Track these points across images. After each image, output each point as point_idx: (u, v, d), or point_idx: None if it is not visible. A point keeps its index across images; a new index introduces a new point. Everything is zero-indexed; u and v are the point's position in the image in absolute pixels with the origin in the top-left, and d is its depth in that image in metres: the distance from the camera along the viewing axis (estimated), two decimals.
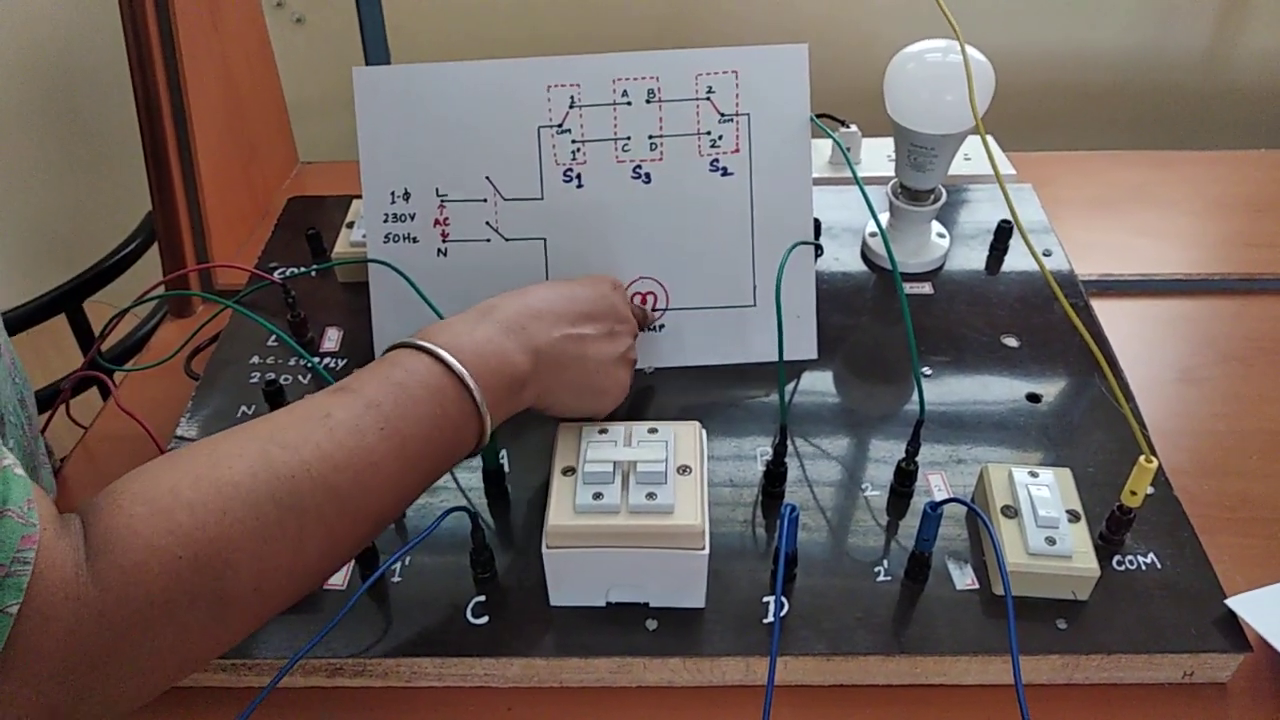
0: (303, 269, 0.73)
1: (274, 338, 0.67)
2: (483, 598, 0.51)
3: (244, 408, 0.63)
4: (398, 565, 0.52)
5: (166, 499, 0.36)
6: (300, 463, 0.39)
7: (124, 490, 0.36)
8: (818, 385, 0.64)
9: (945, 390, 0.63)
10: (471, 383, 0.44)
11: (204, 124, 0.80)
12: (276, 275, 0.71)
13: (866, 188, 0.60)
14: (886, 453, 0.58)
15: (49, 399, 0.70)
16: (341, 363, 0.66)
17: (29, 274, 1.09)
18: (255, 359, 0.66)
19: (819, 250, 0.73)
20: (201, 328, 0.72)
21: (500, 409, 0.47)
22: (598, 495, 0.47)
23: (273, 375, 0.63)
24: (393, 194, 0.62)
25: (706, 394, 0.63)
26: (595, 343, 0.52)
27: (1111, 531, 0.52)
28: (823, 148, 0.89)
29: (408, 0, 1.08)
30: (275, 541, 0.38)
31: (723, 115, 0.61)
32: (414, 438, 0.42)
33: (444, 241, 0.62)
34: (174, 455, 0.39)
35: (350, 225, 0.73)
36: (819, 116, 0.86)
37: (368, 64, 1.00)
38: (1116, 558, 0.52)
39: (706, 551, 0.47)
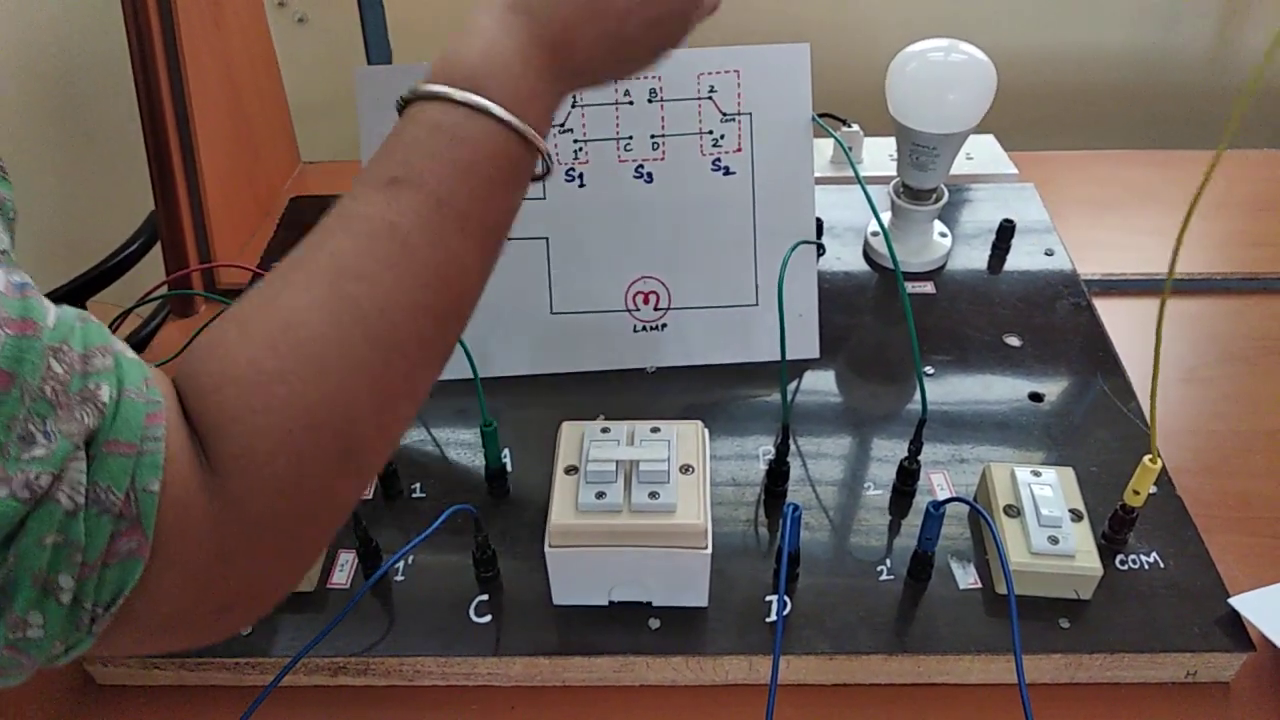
0: None
1: None
2: (485, 596, 0.51)
3: None
4: (400, 564, 0.53)
5: (251, 375, 0.31)
6: (385, 294, 0.33)
7: (200, 373, 0.32)
8: (820, 384, 0.64)
9: (948, 389, 0.63)
10: (542, 144, 0.38)
11: (206, 124, 0.80)
12: None
13: (868, 187, 0.60)
14: (889, 452, 0.58)
15: None
16: None
17: (32, 274, 1.09)
18: None
19: (821, 249, 0.73)
20: (204, 327, 0.71)
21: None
22: (600, 494, 0.47)
23: None
24: None
25: (709, 393, 0.63)
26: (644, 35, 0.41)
27: (1114, 531, 0.52)
28: (824, 147, 0.89)
29: (412, 3, 1.08)
30: (382, 381, 0.34)
31: (725, 114, 0.61)
32: (496, 225, 0.37)
33: None
34: (235, 320, 0.33)
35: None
36: (821, 116, 0.86)
37: (370, 63, 1.00)
38: (1119, 557, 0.52)
39: (709, 551, 0.47)
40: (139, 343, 0.89)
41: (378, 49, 1.00)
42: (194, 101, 0.78)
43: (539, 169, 0.39)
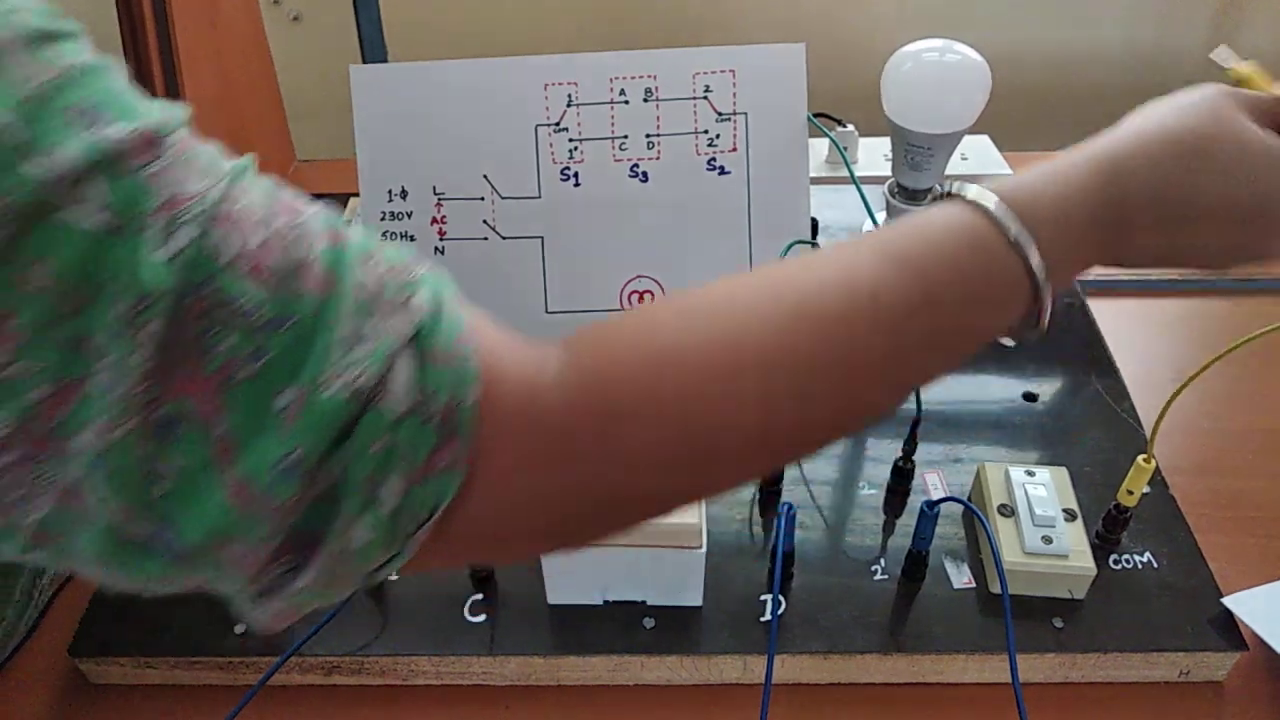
0: None
1: None
2: (480, 596, 0.51)
3: None
4: None
5: (663, 352, 0.31)
6: (830, 348, 0.32)
7: (609, 337, 0.32)
8: None
9: (942, 389, 0.63)
10: (1047, 309, 0.34)
11: (200, 121, 0.79)
12: None
13: (865, 186, 0.60)
14: (883, 451, 0.58)
15: None
16: None
17: None
18: None
19: (816, 249, 0.73)
20: None
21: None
22: None
23: None
24: (390, 192, 0.62)
25: None
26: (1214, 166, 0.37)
27: (1108, 530, 0.52)
28: (820, 147, 0.89)
29: (408, 2, 1.08)
30: (782, 412, 0.32)
31: (720, 114, 0.61)
32: (949, 356, 0.34)
33: (441, 240, 0.62)
34: (676, 308, 0.33)
35: (348, 224, 0.73)
36: (816, 116, 0.86)
37: (365, 62, 0.99)
38: (1113, 557, 0.52)
39: (703, 550, 0.47)
40: None
41: (373, 47, 1.00)
42: (188, 99, 0.77)
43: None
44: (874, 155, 0.88)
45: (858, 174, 0.85)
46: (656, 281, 0.63)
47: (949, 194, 0.35)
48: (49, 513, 0.24)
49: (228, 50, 0.86)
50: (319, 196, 0.80)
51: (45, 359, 0.23)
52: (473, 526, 0.29)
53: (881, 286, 0.32)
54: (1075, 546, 0.49)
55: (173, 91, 0.77)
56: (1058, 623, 0.49)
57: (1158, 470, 0.56)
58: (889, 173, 0.71)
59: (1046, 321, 0.35)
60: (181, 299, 0.23)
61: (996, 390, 0.63)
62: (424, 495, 0.27)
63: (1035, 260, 0.33)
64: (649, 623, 0.49)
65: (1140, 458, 0.49)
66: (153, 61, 0.75)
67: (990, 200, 0.33)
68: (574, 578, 0.49)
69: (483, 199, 0.62)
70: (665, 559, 0.47)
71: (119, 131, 0.23)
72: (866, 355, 0.32)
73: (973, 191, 0.34)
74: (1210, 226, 0.38)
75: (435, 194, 0.62)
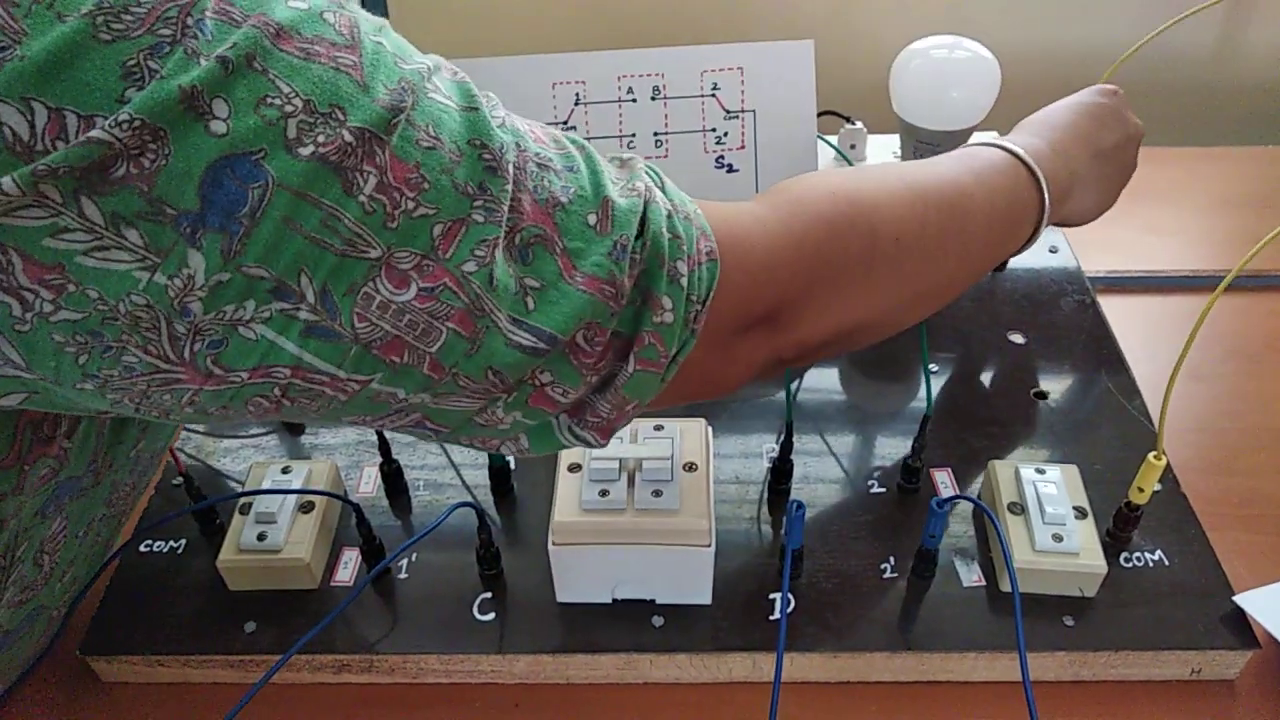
0: None
1: None
2: (489, 594, 0.51)
3: None
4: (404, 561, 0.53)
5: (817, 179, 0.43)
6: (926, 186, 0.44)
7: (802, 184, 0.43)
8: (824, 382, 0.64)
9: (952, 386, 0.63)
10: (1047, 200, 0.49)
11: None
12: None
13: None
14: (893, 449, 0.58)
15: None
16: None
17: None
18: None
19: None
20: None
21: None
22: (603, 492, 0.47)
23: None
24: None
25: None
26: (1116, 151, 0.57)
27: (1119, 528, 0.52)
28: (831, 143, 0.88)
29: (417, 3, 1.08)
30: (908, 221, 0.42)
31: (728, 112, 0.61)
32: (999, 213, 0.47)
33: None
34: (843, 176, 0.44)
35: None
36: (824, 113, 0.86)
37: None
38: (1124, 555, 0.52)
39: (712, 549, 0.47)
40: None
41: None
42: None
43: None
44: (883, 152, 0.87)
45: None
46: None
47: (987, 144, 0.50)
48: (448, 338, 0.31)
49: None
50: None
51: (440, 202, 0.29)
52: (729, 311, 0.37)
53: (968, 185, 0.46)
54: (1086, 544, 0.49)
55: None
56: (1068, 621, 0.49)
57: (1169, 468, 0.56)
58: None
59: (1045, 214, 0.49)
60: (520, 147, 0.32)
61: (1007, 388, 0.63)
62: (700, 278, 0.35)
63: (1048, 193, 0.49)
64: (658, 621, 0.49)
65: (1151, 455, 0.49)
66: None
67: (1021, 150, 0.49)
68: (583, 576, 0.49)
69: None
70: (674, 557, 0.47)
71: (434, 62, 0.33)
72: (965, 228, 0.45)
73: (1008, 142, 0.50)
74: (1117, 160, 0.57)
75: None
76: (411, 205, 0.29)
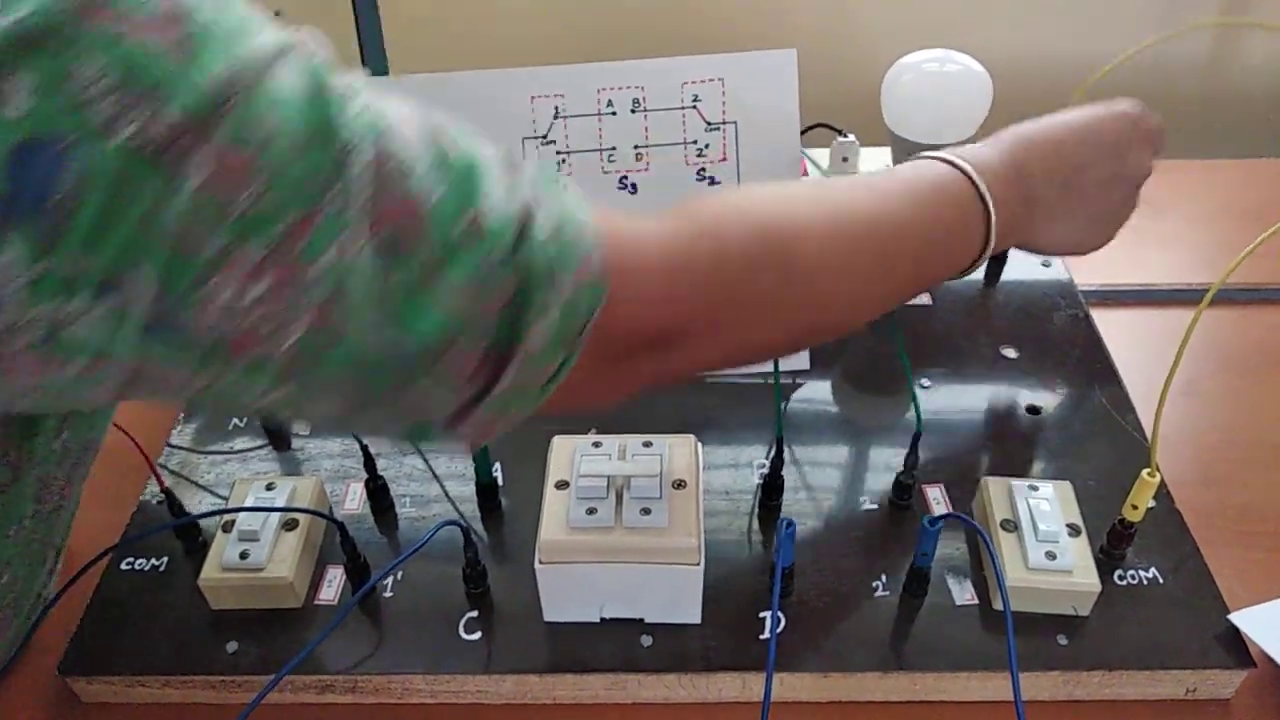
0: None
1: None
2: (475, 613, 0.50)
3: (235, 420, 0.62)
4: (389, 580, 0.52)
5: (734, 199, 0.42)
6: (855, 215, 0.42)
7: (711, 204, 0.41)
8: (815, 396, 0.63)
9: (944, 402, 0.62)
10: (993, 216, 0.46)
11: None
12: None
13: None
14: (884, 465, 0.58)
15: None
16: None
17: None
18: None
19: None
20: None
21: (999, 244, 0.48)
22: (591, 510, 0.46)
23: None
24: None
25: (702, 404, 0.62)
26: (1097, 188, 0.51)
27: (1112, 545, 0.52)
28: (822, 157, 0.88)
29: (406, 13, 1.08)
30: (829, 254, 0.41)
31: (709, 124, 0.60)
32: (936, 242, 0.45)
33: None
34: (753, 193, 0.43)
35: None
36: (815, 126, 0.86)
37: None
38: (1118, 572, 0.51)
39: (701, 567, 0.46)
40: None
41: (374, 62, 1.00)
42: None
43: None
44: (875, 165, 0.87)
45: None
46: None
47: (929, 157, 0.46)
48: (303, 335, 0.29)
49: None
50: None
51: (283, 194, 0.27)
52: (616, 331, 0.36)
53: (904, 214, 0.44)
54: (1079, 562, 0.49)
55: None
56: (1062, 640, 0.48)
57: (1163, 484, 0.55)
58: None
59: (993, 229, 0.46)
60: (378, 140, 0.30)
61: (999, 403, 0.62)
62: (583, 296, 0.33)
63: (995, 219, 0.46)
64: (646, 640, 0.49)
65: (1145, 472, 0.49)
66: None
67: (971, 170, 0.45)
68: (570, 595, 0.48)
69: None
70: (663, 576, 0.47)
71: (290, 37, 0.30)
72: (894, 261, 0.43)
73: (964, 157, 0.46)
74: (1097, 197, 0.51)
75: None
76: (250, 197, 0.27)
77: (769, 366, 0.52)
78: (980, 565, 0.52)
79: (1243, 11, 1.14)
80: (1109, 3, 1.12)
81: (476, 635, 0.49)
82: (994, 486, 0.53)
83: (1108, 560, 0.52)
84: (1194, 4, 1.13)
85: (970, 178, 0.45)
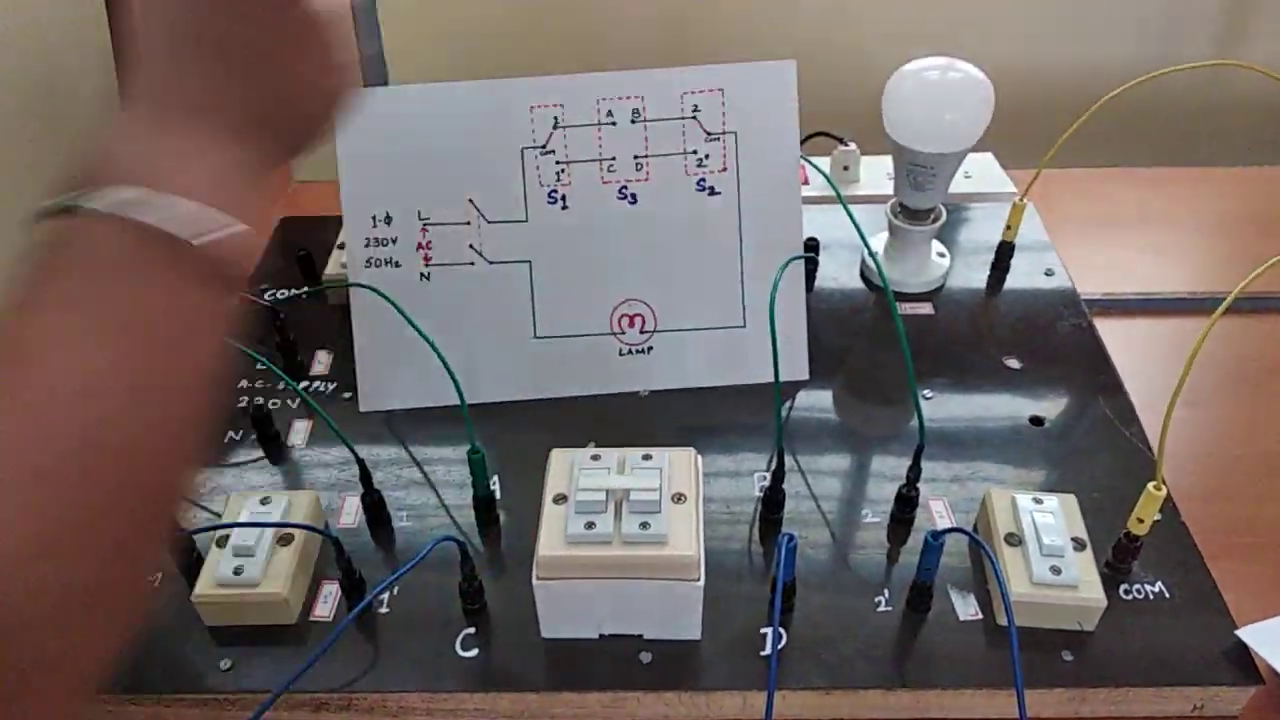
0: (294, 291, 0.72)
1: None
2: (472, 629, 0.50)
3: (231, 433, 0.61)
4: (385, 596, 0.51)
5: None
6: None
7: None
8: (816, 407, 0.62)
9: (947, 412, 0.62)
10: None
11: None
12: (266, 297, 0.70)
13: (867, 206, 0.59)
14: (887, 477, 0.57)
15: None
16: (331, 386, 0.65)
17: None
18: (244, 383, 0.65)
19: (815, 265, 0.72)
20: None
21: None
22: (590, 524, 0.46)
23: (260, 400, 0.62)
24: (374, 218, 0.61)
25: (702, 416, 0.62)
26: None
27: (1118, 560, 0.51)
28: (823, 165, 0.88)
29: (406, 27, 1.07)
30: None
31: (709, 134, 0.60)
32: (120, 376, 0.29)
33: (426, 265, 0.61)
34: None
35: (341, 246, 0.72)
36: (816, 135, 0.85)
37: (365, 87, 0.99)
38: (1123, 587, 0.51)
39: (701, 583, 0.45)
40: None
41: (374, 75, 0.99)
42: None
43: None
44: (876, 173, 0.87)
45: (860, 193, 0.84)
46: (647, 304, 0.62)
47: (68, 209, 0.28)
48: None
49: None
50: (315, 219, 0.79)
51: None
52: None
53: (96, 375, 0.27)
54: (1084, 577, 0.48)
55: None
56: (1067, 656, 0.47)
57: (1168, 496, 0.55)
58: (891, 192, 0.70)
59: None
60: None
61: (1002, 413, 0.61)
62: None
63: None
64: (646, 657, 0.48)
65: (1151, 485, 0.48)
66: None
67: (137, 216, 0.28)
68: (568, 611, 0.48)
69: (468, 223, 0.61)
70: (662, 592, 0.46)
71: None
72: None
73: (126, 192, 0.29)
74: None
75: (420, 219, 0.61)
76: None
77: (769, 374, 0.51)
78: (984, 579, 0.51)
79: (1242, 16, 1.13)
80: (1109, 12, 1.12)
81: (473, 652, 0.49)
82: (998, 499, 0.52)
83: (1113, 574, 0.51)
84: (1196, 13, 1.12)
85: (143, 227, 0.28)
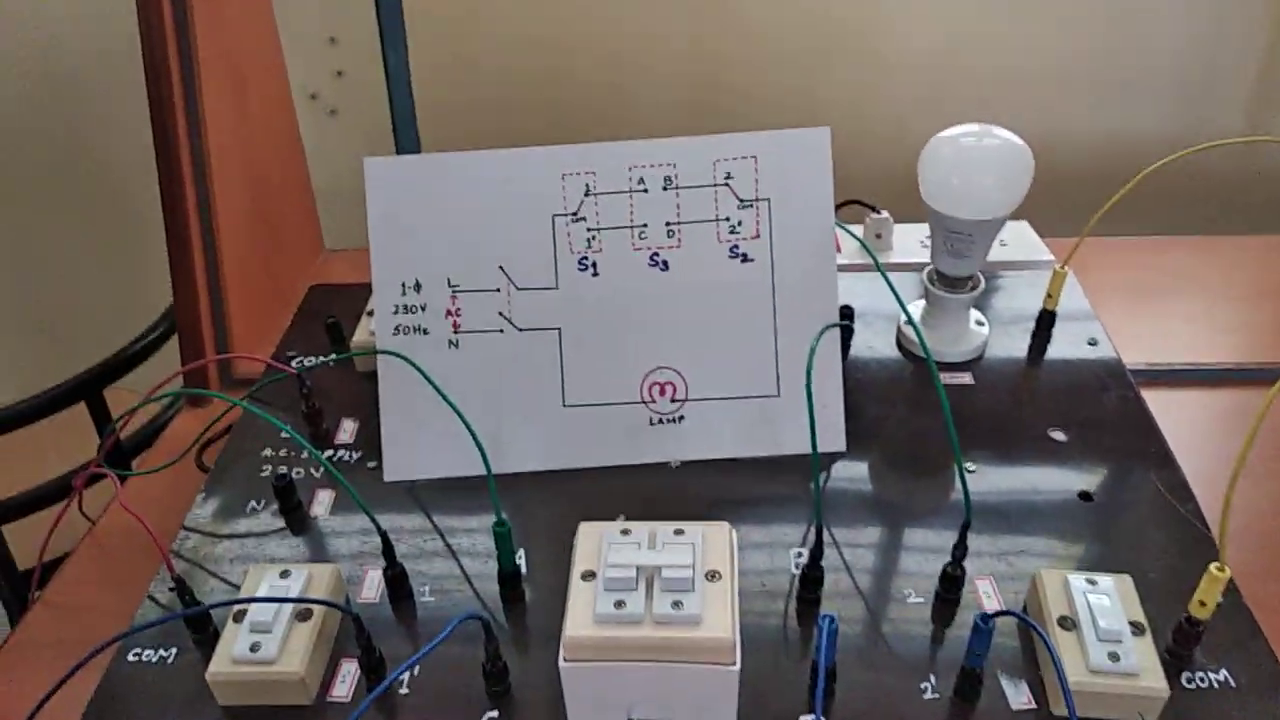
0: (321, 358, 0.72)
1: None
2: (495, 713, 0.47)
3: (253, 502, 0.60)
4: (405, 676, 0.49)
5: None
6: None
7: None
8: (854, 480, 0.60)
9: (990, 487, 0.59)
10: None
11: (229, 213, 0.79)
12: (294, 365, 0.69)
13: (901, 274, 0.58)
14: (930, 554, 0.55)
15: (64, 491, 0.68)
16: (356, 455, 0.64)
17: (52, 359, 1.09)
18: (268, 451, 0.64)
19: (850, 333, 0.70)
20: (215, 421, 0.70)
21: None
22: (619, 603, 0.44)
23: (284, 469, 0.61)
24: (403, 285, 0.60)
25: (735, 489, 0.60)
26: None
27: (1179, 645, 0.48)
28: (856, 233, 0.87)
29: (438, 94, 1.09)
30: None
31: (742, 201, 0.59)
32: None
33: (455, 332, 0.60)
34: None
35: (370, 313, 0.72)
36: (849, 203, 0.85)
37: (399, 153, 1.00)
38: (1185, 675, 0.47)
39: (738, 667, 0.43)
40: (155, 432, 0.87)
41: (406, 141, 1.01)
42: (216, 190, 0.78)
43: None
44: (909, 241, 0.86)
45: (894, 260, 0.83)
46: (679, 373, 0.61)
47: None
48: None
49: (258, 139, 0.86)
50: (344, 286, 0.79)
51: None
52: None
53: None
54: (1145, 664, 0.45)
55: (201, 181, 0.77)
56: None
57: (1230, 578, 0.52)
58: (926, 259, 0.69)
59: None
60: None
61: (1049, 488, 0.59)
62: None
63: None
64: None
65: (1213, 566, 0.45)
66: (181, 152, 0.75)
67: None
68: (596, 697, 0.45)
69: (498, 290, 0.60)
70: (696, 677, 0.43)
71: None
72: None
73: None
74: None
75: (450, 286, 0.60)
76: None
77: (804, 445, 0.49)
78: (1035, 664, 0.48)
79: (1274, 86, 1.13)
80: (1139, 81, 1.12)
81: None
82: (1049, 580, 0.49)
83: (1174, 661, 0.48)
84: (1226, 82, 1.12)
85: None
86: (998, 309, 0.74)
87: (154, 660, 0.51)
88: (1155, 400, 0.66)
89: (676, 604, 0.43)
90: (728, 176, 0.59)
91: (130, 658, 0.51)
